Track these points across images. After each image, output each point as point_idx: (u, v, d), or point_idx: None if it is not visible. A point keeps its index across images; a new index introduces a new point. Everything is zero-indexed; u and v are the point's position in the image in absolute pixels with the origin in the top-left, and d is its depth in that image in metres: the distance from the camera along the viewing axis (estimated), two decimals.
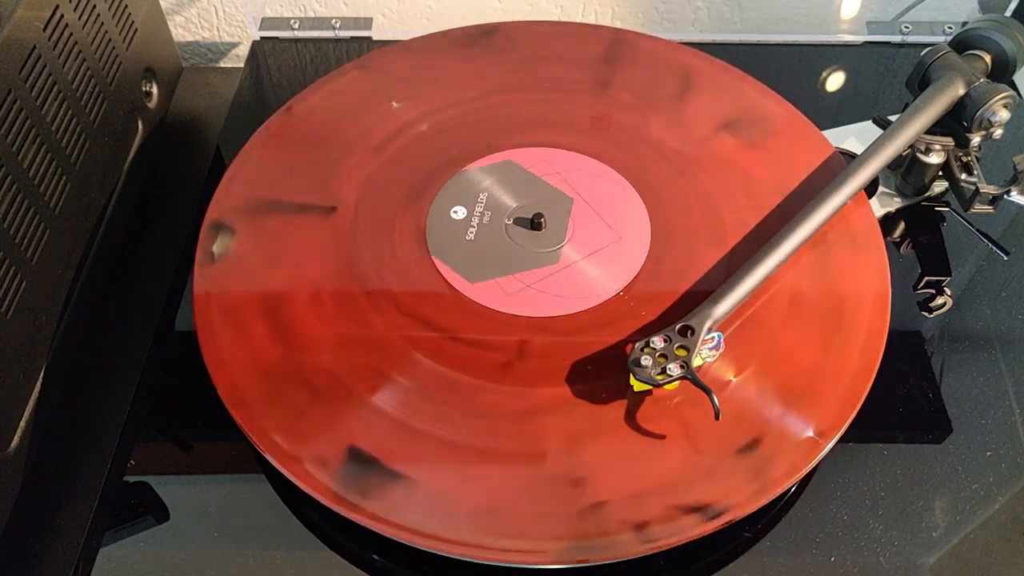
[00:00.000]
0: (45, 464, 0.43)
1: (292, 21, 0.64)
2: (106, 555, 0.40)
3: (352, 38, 0.64)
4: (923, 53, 0.49)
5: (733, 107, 0.52)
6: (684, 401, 0.40)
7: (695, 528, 0.37)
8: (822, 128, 0.52)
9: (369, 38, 0.64)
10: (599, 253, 0.45)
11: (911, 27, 0.63)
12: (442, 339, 0.42)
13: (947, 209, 0.52)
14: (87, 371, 0.46)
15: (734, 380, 0.41)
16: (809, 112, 0.52)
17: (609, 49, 0.55)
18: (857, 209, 0.47)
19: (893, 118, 0.49)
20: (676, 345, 0.39)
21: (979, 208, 0.48)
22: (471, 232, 0.46)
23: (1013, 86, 0.49)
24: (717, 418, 0.38)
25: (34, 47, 0.42)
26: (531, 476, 0.39)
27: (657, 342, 0.40)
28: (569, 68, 0.54)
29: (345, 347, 0.42)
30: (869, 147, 0.47)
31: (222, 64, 0.76)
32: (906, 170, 0.51)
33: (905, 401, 0.44)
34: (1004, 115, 0.47)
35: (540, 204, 0.47)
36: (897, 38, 0.63)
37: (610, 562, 0.36)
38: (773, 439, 0.39)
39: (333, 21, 0.64)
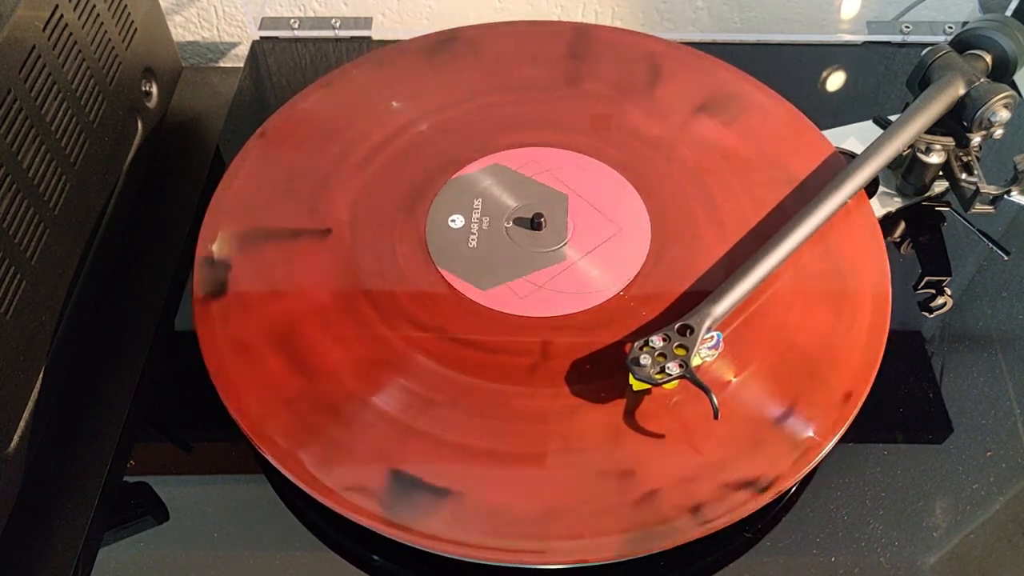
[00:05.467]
0: (45, 464, 0.43)
1: (292, 21, 0.64)
2: (106, 555, 0.40)
3: (352, 38, 0.64)
4: (923, 53, 0.49)
5: (704, 89, 0.53)
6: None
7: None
8: (822, 128, 0.52)
9: (369, 38, 0.64)
10: (604, 246, 0.46)
11: (911, 27, 0.63)
12: (464, 348, 0.42)
13: (947, 209, 0.52)
14: (87, 371, 0.46)
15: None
16: (809, 112, 0.52)
17: (573, 44, 0.55)
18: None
19: (893, 118, 0.49)
20: (675, 344, 0.39)
21: (979, 208, 0.48)
22: (472, 240, 0.46)
23: (1013, 86, 0.49)
24: (716, 418, 0.38)
25: (34, 47, 0.42)
26: (582, 474, 0.38)
27: (656, 341, 0.40)
28: (538, 67, 0.54)
29: (364, 367, 0.41)
30: (869, 147, 0.47)
31: (222, 64, 0.76)
32: (906, 170, 0.51)
33: (905, 401, 0.44)
34: (1004, 115, 0.47)
35: (536, 204, 0.47)
36: (897, 38, 0.63)
37: (609, 562, 0.36)
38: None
39: (333, 21, 0.64)
